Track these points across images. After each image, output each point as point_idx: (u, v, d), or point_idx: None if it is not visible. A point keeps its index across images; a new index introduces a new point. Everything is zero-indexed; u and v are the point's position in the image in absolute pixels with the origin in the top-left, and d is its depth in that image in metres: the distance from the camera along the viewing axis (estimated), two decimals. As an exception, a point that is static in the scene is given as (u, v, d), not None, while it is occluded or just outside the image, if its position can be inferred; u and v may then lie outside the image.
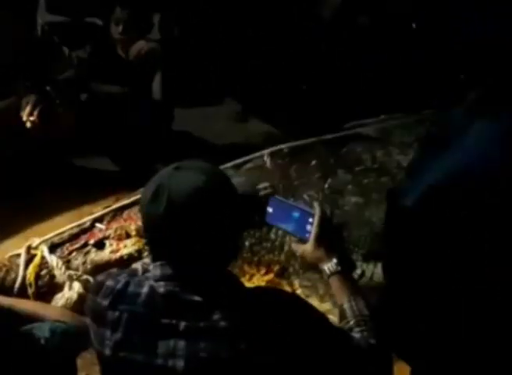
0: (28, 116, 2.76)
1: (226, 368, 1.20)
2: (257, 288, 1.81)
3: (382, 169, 2.65)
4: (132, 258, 2.38)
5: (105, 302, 1.28)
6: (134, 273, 1.34)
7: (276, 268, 2.47)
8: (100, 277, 1.35)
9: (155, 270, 1.27)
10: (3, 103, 2.91)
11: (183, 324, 1.22)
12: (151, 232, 1.28)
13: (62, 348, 1.36)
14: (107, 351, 1.26)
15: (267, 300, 1.26)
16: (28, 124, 2.78)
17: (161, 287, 1.24)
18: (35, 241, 2.32)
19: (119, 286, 1.29)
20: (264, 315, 1.22)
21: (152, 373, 1.23)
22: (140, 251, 2.40)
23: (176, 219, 1.21)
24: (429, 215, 0.85)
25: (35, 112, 2.77)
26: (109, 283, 1.31)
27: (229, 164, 2.70)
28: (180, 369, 1.20)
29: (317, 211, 1.53)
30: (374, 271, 2.56)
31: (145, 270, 1.33)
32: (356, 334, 1.34)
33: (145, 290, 1.26)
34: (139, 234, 2.41)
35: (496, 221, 0.83)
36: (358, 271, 2.56)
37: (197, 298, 1.22)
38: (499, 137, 0.83)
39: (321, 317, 1.33)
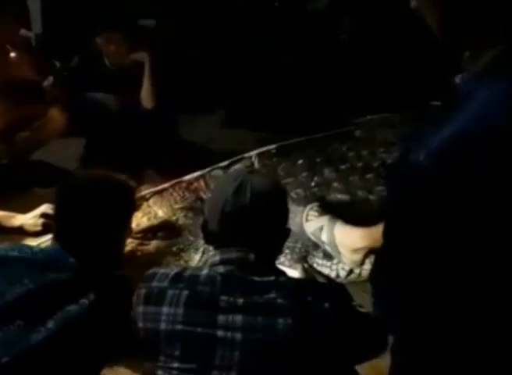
0: None
1: (281, 341, 1.34)
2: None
3: (367, 167, 2.70)
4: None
5: (164, 284, 1.43)
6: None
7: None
8: (150, 271, 1.51)
9: (214, 257, 1.46)
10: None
11: (240, 300, 1.37)
12: (229, 220, 1.47)
13: None
14: (162, 326, 1.39)
15: (313, 283, 1.53)
16: None
17: (220, 269, 1.42)
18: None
19: (176, 271, 1.46)
20: (315, 296, 1.39)
21: (212, 343, 1.36)
22: (132, 252, 2.44)
23: (259, 208, 1.49)
24: (439, 171, 0.87)
25: None
26: (163, 271, 1.48)
27: (217, 165, 2.75)
28: (238, 341, 1.35)
29: None
30: (362, 267, 2.60)
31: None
32: None
33: (204, 272, 1.43)
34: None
35: (498, 183, 0.85)
36: (347, 268, 2.61)
37: (256, 278, 1.39)
38: (499, 100, 0.86)
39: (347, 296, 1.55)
